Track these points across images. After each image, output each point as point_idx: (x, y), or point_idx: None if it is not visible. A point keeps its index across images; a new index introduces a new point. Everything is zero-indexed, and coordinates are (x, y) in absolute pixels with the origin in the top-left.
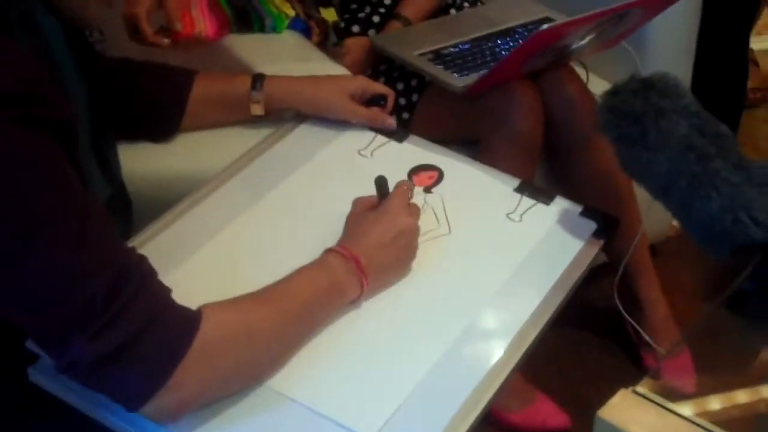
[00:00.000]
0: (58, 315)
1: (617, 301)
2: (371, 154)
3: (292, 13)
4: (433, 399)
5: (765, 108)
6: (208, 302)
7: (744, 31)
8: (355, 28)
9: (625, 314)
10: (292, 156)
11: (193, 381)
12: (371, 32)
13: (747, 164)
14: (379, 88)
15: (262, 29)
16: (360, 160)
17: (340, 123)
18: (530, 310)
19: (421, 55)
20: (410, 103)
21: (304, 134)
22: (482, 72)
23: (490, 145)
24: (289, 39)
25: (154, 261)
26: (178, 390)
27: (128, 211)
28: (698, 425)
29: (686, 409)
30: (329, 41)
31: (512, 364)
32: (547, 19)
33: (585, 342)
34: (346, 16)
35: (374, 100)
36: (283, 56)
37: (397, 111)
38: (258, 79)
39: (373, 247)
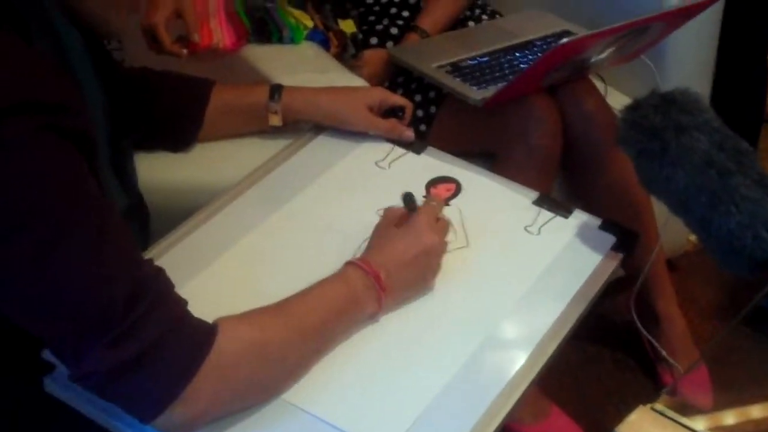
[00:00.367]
0: (76, 323)
1: (634, 316)
2: (389, 166)
3: (310, 24)
4: (451, 412)
5: None
6: (225, 315)
7: (763, 45)
8: (373, 40)
9: (642, 329)
10: (309, 167)
11: (208, 394)
12: (389, 44)
13: (767, 180)
14: (397, 99)
15: (280, 40)
16: (377, 171)
17: (358, 134)
18: (549, 323)
19: (439, 67)
20: (428, 115)
21: (322, 145)
22: (501, 85)
23: (507, 158)
24: (308, 50)
25: (170, 272)
26: (193, 402)
27: (146, 221)
28: None
29: (704, 426)
30: (347, 53)
31: (530, 377)
32: (565, 33)
33: (600, 356)
34: (365, 27)
35: (392, 112)
36: (302, 67)
37: (414, 123)
38: (276, 90)
39: (395, 264)
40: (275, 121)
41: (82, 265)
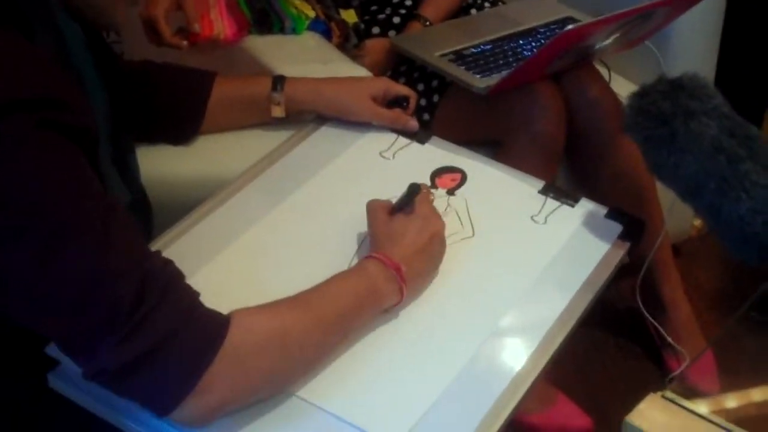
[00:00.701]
0: (86, 320)
1: (639, 302)
2: (393, 156)
3: (312, 14)
4: (459, 405)
5: None
6: (239, 308)
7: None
8: (376, 30)
9: (648, 315)
10: (313, 158)
11: (223, 385)
12: (391, 33)
13: None
14: (401, 89)
15: (281, 31)
16: (382, 162)
17: (362, 125)
18: (556, 313)
19: (442, 55)
20: (431, 104)
21: (326, 136)
22: (505, 72)
23: (511, 146)
24: (309, 40)
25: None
26: (208, 394)
27: (149, 215)
28: (729, 430)
29: (714, 412)
30: (349, 43)
31: (539, 368)
32: (569, 19)
33: (605, 343)
34: (367, 17)
35: (396, 102)
36: (304, 58)
37: (417, 112)
38: (279, 81)
39: (411, 254)
40: (278, 112)
41: (89, 262)
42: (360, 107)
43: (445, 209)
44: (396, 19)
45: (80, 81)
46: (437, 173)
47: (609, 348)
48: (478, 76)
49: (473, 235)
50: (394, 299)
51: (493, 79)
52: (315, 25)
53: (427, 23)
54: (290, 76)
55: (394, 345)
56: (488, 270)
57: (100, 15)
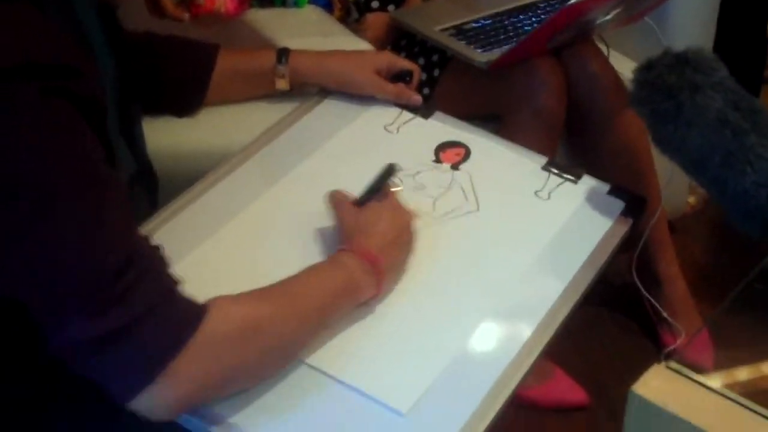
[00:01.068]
0: (65, 288)
1: (635, 278)
2: (397, 131)
3: None
4: (463, 381)
5: None
6: (222, 295)
7: (764, 7)
8: (375, 4)
9: (644, 291)
10: (317, 131)
11: (193, 374)
12: (391, 7)
13: None
14: (405, 63)
15: (283, 4)
16: (386, 136)
17: (365, 98)
18: (559, 289)
19: (443, 30)
20: (431, 78)
21: (329, 109)
22: (506, 47)
23: (512, 121)
24: (311, 14)
25: (176, 239)
26: (176, 381)
27: (154, 186)
28: (733, 400)
29: (718, 384)
30: (350, 17)
31: (542, 343)
32: None
33: (601, 318)
34: None
35: (399, 77)
36: (306, 31)
37: (418, 86)
38: (283, 54)
39: (385, 245)
40: (282, 84)
41: (76, 232)
42: (364, 81)
43: (450, 184)
44: None
45: (90, 49)
46: (441, 147)
47: (605, 323)
48: (479, 50)
49: (477, 209)
50: (371, 292)
51: (494, 54)
52: None
53: None
54: (295, 49)
55: (401, 316)
56: (493, 244)
57: None
